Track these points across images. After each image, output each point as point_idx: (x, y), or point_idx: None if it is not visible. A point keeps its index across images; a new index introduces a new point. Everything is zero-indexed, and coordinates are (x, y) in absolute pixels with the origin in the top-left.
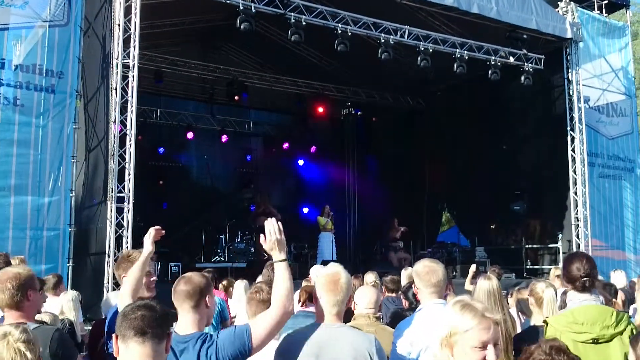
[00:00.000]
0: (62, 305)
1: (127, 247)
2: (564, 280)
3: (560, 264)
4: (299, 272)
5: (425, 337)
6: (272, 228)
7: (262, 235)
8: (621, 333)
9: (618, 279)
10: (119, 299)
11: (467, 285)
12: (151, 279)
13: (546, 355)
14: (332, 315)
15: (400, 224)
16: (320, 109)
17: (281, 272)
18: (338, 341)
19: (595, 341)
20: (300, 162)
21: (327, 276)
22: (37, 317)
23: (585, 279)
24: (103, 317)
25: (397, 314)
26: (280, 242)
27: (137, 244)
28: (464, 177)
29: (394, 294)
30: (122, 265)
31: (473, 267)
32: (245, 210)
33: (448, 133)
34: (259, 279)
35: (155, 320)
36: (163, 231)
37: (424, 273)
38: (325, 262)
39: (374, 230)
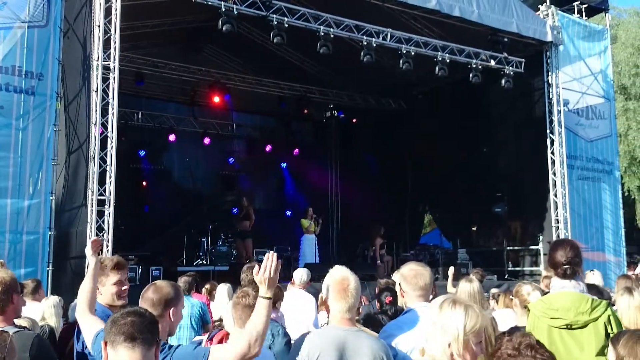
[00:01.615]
0: (43, 311)
1: (107, 251)
2: (548, 266)
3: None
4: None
5: (411, 338)
6: (270, 265)
7: (257, 265)
8: (596, 320)
9: (594, 280)
10: (77, 315)
11: (449, 288)
12: (122, 288)
13: (514, 350)
14: (346, 319)
15: (384, 227)
16: (303, 111)
17: (261, 310)
18: (357, 344)
19: (569, 327)
20: (283, 165)
21: (336, 283)
22: (16, 321)
23: (566, 266)
24: (72, 321)
25: (369, 317)
26: (272, 280)
27: (118, 247)
28: (445, 180)
29: None
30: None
31: (452, 269)
32: (228, 213)
33: (430, 135)
34: None
35: (146, 326)
36: (102, 240)
37: (410, 276)
38: (307, 265)
39: (357, 232)
